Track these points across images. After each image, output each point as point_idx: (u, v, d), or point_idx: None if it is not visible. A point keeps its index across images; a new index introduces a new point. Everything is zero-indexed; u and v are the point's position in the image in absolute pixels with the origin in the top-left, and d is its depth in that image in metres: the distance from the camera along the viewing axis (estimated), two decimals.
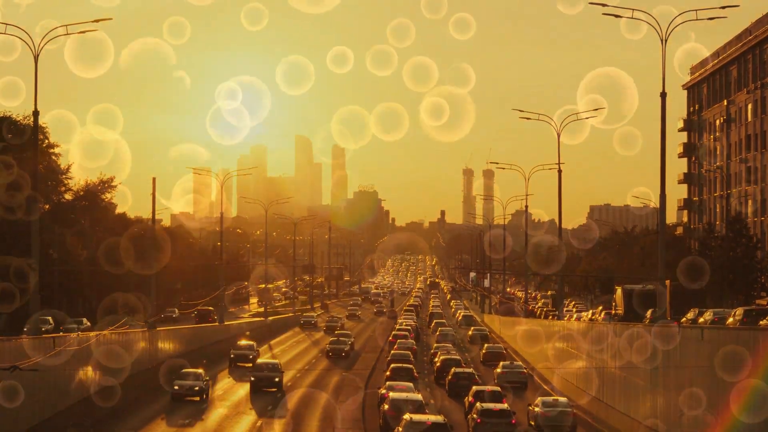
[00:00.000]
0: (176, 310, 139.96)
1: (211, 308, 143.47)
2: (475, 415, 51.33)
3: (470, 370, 74.19)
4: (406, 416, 46.72)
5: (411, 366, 74.87)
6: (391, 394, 55.10)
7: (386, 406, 53.18)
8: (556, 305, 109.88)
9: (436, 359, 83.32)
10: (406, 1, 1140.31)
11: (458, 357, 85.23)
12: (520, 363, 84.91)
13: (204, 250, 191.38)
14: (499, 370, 77.30)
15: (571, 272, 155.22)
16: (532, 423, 55.91)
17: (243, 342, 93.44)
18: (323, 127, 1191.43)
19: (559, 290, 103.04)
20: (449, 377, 70.61)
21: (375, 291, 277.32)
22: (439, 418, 46.79)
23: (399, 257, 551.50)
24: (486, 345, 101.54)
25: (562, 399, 58.86)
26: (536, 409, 56.02)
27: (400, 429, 45.55)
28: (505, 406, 52.82)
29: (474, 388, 59.36)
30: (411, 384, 61.75)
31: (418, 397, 54.72)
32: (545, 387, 76.09)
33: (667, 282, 58.25)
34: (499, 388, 60.02)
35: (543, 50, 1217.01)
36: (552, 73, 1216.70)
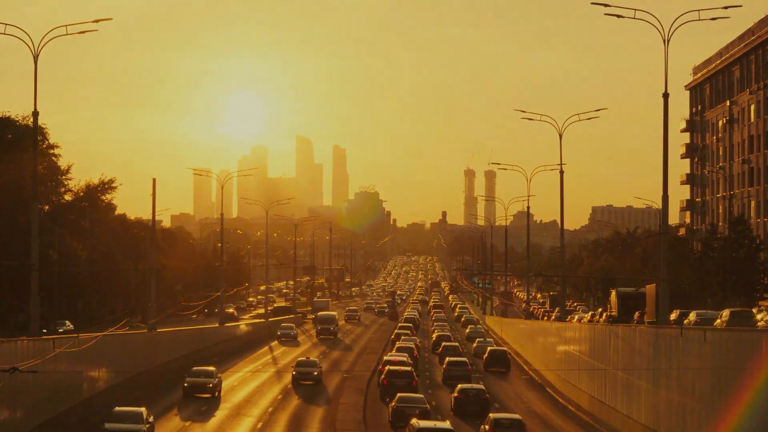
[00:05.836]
0: (67, 322, 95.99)
1: (290, 305, 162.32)
2: (444, 365, 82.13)
3: (455, 344, 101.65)
4: (387, 367, 70.99)
5: (412, 345, 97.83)
6: (386, 357, 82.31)
7: (380, 366, 79.16)
8: (553, 306, 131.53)
9: (433, 335, 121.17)
10: (406, 2, 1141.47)
11: (449, 333, 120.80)
12: (481, 326, 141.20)
13: (204, 252, 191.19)
14: (467, 330, 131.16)
15: (573, 273, 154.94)
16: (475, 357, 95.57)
17: None
18: (324, 128, 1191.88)
19: (560, 291, 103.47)
20: (440, 350, 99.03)
21: (325, 314, 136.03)
22: (407, 368, 71.10)
23: (400, 258, 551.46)
24: (464, 315, 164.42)
25: (489, 339, 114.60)
26: (474, 345, 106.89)
27: (382, 376, 69.62)
28: (464, 359, 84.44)
29: (449, 358, 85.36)
30: (412, 343, 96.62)
31: (403, 358, 79.40)
32: (494, 336, 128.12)
33: (648, 286, 58.17)
34: (466, 359, 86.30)
35: (544, 50, 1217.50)
36: (553, 74, 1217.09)
